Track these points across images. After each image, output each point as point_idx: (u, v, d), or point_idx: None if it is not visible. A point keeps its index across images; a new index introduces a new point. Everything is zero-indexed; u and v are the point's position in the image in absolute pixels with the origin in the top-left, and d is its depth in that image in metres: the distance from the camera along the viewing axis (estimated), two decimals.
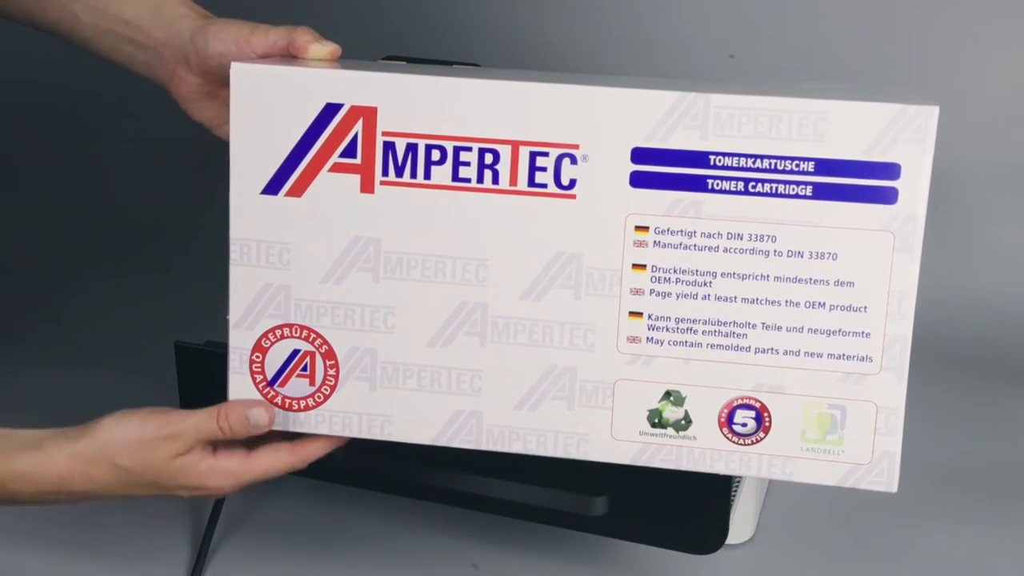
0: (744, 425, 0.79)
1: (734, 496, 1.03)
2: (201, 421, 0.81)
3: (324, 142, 0.79)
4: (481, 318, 0.80)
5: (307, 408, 0.83)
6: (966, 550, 1.10)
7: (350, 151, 0.79)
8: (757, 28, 1.71)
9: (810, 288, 0.77)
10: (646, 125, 0.76)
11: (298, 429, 0.84)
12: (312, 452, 0.84)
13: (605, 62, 1.73)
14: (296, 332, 0.82)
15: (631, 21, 1.75)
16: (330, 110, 0.79)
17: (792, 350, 0.78)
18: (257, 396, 0.83)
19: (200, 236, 1.32)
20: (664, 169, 0.77)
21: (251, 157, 0.80)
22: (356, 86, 0.78)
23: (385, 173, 0.79)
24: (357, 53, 0.91)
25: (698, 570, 1.04)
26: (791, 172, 0.76)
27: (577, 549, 1.07)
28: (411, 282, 0.80)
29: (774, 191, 0.76)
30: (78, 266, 1.67)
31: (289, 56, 0.84)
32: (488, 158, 0.78)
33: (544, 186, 0.78)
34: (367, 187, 0.79)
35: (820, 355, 0.78)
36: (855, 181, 0.75)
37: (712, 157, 0.76)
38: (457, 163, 0.78)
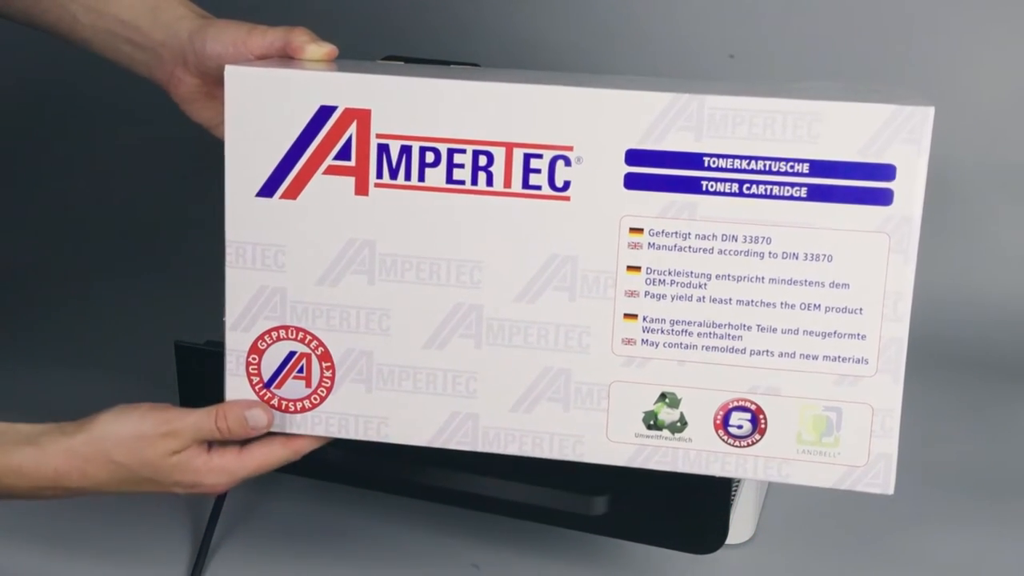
0: (740, 427, 0.79)
1: (734, 496, 1.03)
2: (200, 420, 0.82)
3: (319, 144, 0.79)
4: (476, 320, 0.80)
5: (303, 410, 0.83)
6: (966, 550, 1.09)
7: (344, 153, 0.79)
8: (757, 28, 1.71)
9: (805, 290, 0.77)
10: (640, 127, 0.76)
11: (294, 431, 0.84)
12: (305, 444, 0.84)
13: (604, 62, 1.73)
14: (292, 334, 0.82)
15: (631, 21, 1.75)
16: (324, 112, 0.79)
17: (787, 352, 0.78)
18: (254, 398, 0.83)
19: (200, 236, 1.32)
20: (658, 171, 0.77)
21: (246, 159, 0.80)
22: (350, 88, 0.78)
23: (379, 175, 0.79)
24: (357, 53, 0.91)
25: (698, 570, 1.04)
26: (786, 173, 0.76)
27: (577, 549, 1.07)
28: (406, 284, 0.80)
29: (769, 192, 0.76)
30: (78, 266, 1.67)
31: (286, 57, 0.84)
32: (482, 160, 0.78)
33: (538, 188, 0.78)
34: (361, 189, 0.80)
35: (815, 357, 0.78)
36: (850, 182, 0.75)
37: (706, 159, 0.76)
38: (451, 165, 0.78)
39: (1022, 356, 1.48)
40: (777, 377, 0.78)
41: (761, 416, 0.79)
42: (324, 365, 0.82)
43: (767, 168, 0.76)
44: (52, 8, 0.90)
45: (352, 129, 0.79)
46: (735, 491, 1.04)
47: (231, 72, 0.79)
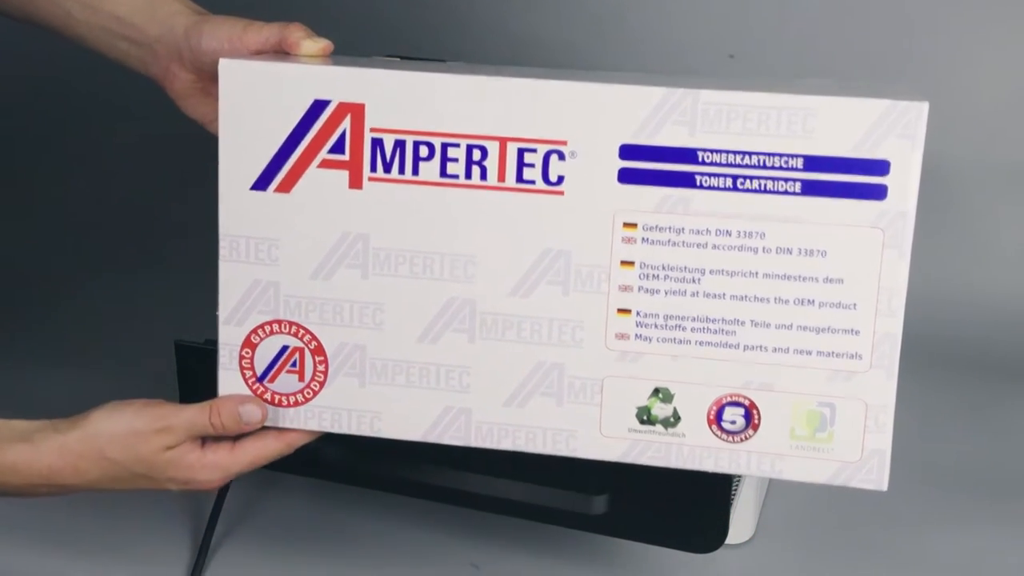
0: (733, 422, 0.79)
1: (734, 496, 1.03)
2: (193, 416, 0.82)
3: (313, 138, 0.79)
4: (470, 314, 0.80)
5: (296, 404, 0.83)
6: (965, 550, 1.09)
7: (338, 147, 0.79)
8: (756, 27, 1.71)
9: (799, 285, 0.77)
10: (634, 121, 0.76)
11: (287, 425, 0.84)
12: (298, 438, 0.84)
13: (600, 60, 1.73)
14: (285, 328, 0.82)
15: (627, 19, 1.75)
16: (318, 106, 0.79)
17: (781, 347, 0.78)
18: (247, 392, 0.83)
19: (200, 235, 1.32)
20: (652, 165, 0.76)
21: (240, 153, 0.80)
22: (344, 82, 0.78)
23: (373, 169, 0.79)
24: (352, 50, 0.91)
25: (698, 570, 1.04)
26: (780, 168, 0.75)
27: (577, 549, 1.07)
28: (399, 278, 0.80)
29: (763, 187, 0.76)
30: (78, 266, 1.67)
31: (282, 53, 0.84)
32: (476, 154, 0.78)
33: (532, 182, 0.78)
34: (355, 183, 0.79)
35: (809, 352, 0.77)
36: (844, 177, 0.75)
37: (700, 153, 0.76)
38: (445, 159, 0.78)
39: (1022, 356, 1.48)
40: (771, 372, 0.78)
41: (755, 411, 0.79)
42: (317, 359, 0.82)
43: (761, 163, 0.76)
44: (46, 4, 0.90)
45: (346, 123, 0.79)
46: (735, 491, 1.04)
47: (225, 66, 0.80)
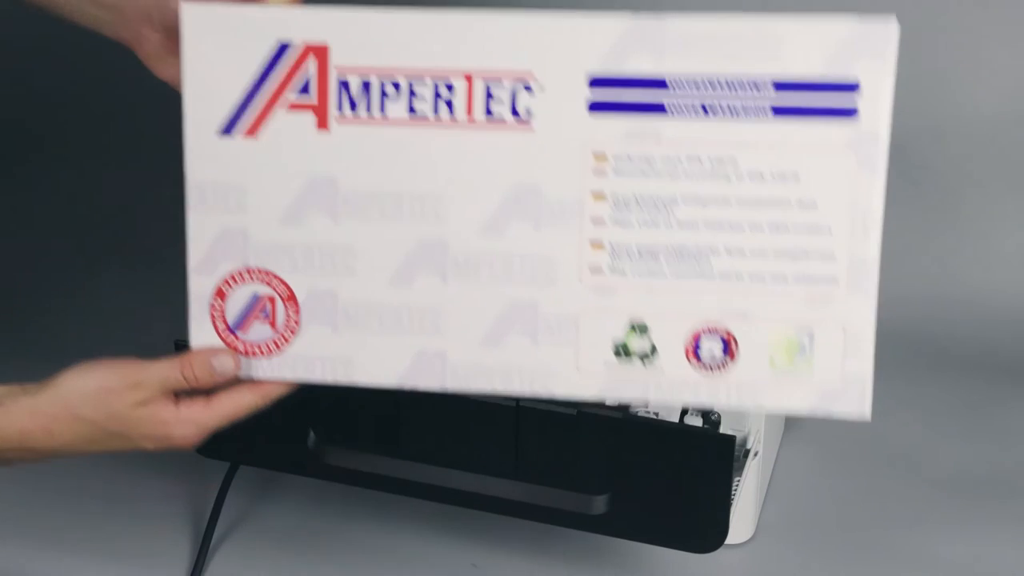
0: (711, 354, 0.78)
1: (734, 496, 1.03)
2: (165, 370, 0.80)
3: (279, 81, 0.78)
4: (441, 255, 0.79)
5: (269, 353, 0.82)
6: (966, 550, 1.09)
7: (304, 89, 0.78)
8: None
9: (772, 210, 0.76)
10: (601, 51, 0.75)
11: (260, 376, 0.82)
12: (273, 390, 0.82)
13: None
14: (256, 276, 0.81)
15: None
16: (282, 48, 0.78)
17: (756, 274, 0.77)
18: (219, 343, 0.82)
19: None
20: (621, 94, 0.76)
21: (206, 99, 0.79)
22: (307, 23, 0.78)
23: (340, 110, 0.78)
24: None
25: (698, 570, 1.04)
26: (749, 91, 0.75)
27: (577, 549, 1.07)
28: (370, 221, 0.79)
29: (733, 112, 0.75)
30: (78, 265, 1.67)
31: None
32: (443, 91, 0.77)
33: (501, 117, 0.77)
34: (322, 125, 0.79)
35: (785, 279, 0.76)
36: (814, 98, 0.74)
37: (669, 80, 0.75)
38: (412, 97, 0.77)
39: (1022, 356, 1.48)
40: (747, 300, 0.77)
41: (732, 342, 0.78)
42: (289, 307, 0.81)
43: (731, 87, 0.75)
44: None
45: (311, 64, 0.78)
46: (735, 491, 1.04)
47: (187, 9, 0.79)
